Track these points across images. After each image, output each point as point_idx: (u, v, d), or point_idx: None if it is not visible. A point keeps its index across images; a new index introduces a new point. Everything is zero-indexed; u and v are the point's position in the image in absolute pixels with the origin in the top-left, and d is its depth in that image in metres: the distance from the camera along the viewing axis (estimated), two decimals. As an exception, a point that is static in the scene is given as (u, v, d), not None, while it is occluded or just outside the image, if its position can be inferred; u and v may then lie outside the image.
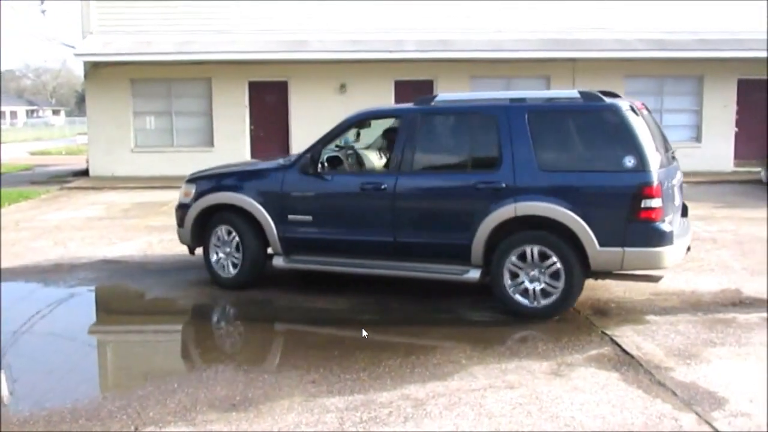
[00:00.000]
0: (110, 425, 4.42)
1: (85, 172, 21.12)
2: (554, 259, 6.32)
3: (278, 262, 7.35)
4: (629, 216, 6.15)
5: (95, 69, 20.14)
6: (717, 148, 20.35)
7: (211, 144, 20.59)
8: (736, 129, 20.65)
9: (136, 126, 20.73)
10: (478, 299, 7.15)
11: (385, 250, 6.95)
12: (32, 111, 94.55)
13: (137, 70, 20.11)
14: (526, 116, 6.52)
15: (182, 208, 7.89)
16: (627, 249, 6.18)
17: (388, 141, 7.88)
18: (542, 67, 20.08)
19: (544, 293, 6.42)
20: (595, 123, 6.45)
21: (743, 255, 8.90)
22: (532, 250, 6.39)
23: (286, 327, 6.65)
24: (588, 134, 6.49)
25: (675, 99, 20.54)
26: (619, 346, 5.75)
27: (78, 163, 25.19)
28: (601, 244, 6.20)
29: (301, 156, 7.35)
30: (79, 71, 24.35)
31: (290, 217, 7.22)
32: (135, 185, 18.18)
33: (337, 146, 7.89)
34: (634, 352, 5.60)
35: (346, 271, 7.18)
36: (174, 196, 16.00)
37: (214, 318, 7.01)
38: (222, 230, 7.55)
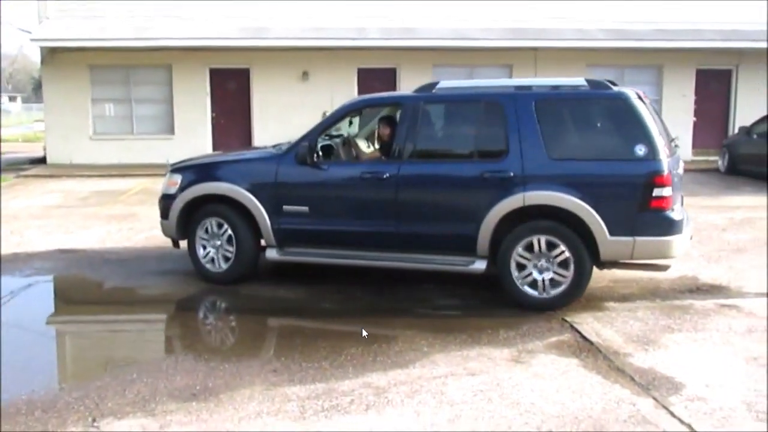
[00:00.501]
0: (67, 416, 4.35)
1: (42, 160, 20.72)
2: (563, 249, 6.23)
3: (271, 254, 7.10)
4: (640, 205, 6.11)
5: (52, 55, 19.74)
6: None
7: (172, 132, 20.33)
8: (695, 118, 20.97)
9: (95, 113, 20.38)
10: (441, 287, 7.18)
11: (386, 241, 6.76)
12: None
13: (96, 56, 19.75)
14: (534, 104, 6.42)
15: (167, 199, 7.54)
16: (638, 238, 6.13)
17: (386, 129, 7.60)
18: (505, 56, 20.16)
19: (553, 283, 6.32)
20: (604, 111, 6.41)
21: (700, 242, 9.05)
22: (541, 240, 6.28)
23: (248, 316, 6.58)
24: (597, 123, 6.45)
25: (635, 89, 20.75)
26: (579, 332, 5.81)
27: (35, 151, 24.69)
28: (612, 234, 6.14)
29: (296, 144, 7.05)
30: (36, 57, 23.85)
31: (285, 208, 6.97)
32: (93, 173, 17.88)
33: (326, 135, 7.66)
34: (593, 338, 5.66)
35: (344, 263, 6.99)
36: (133, 184, 15.87)
37: (174, 307, 6.92)
38: (212, 222, 7.24)
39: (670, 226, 6.18)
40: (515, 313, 6.33)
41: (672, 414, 4.33)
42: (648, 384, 4.77)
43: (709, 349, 5.46)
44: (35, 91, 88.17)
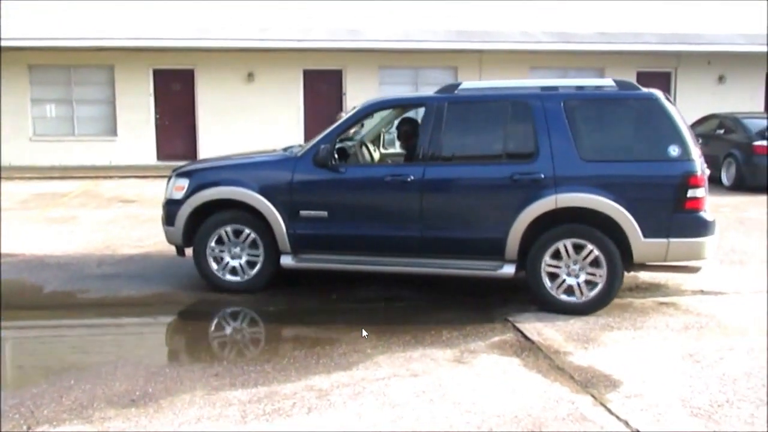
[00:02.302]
0: (2, 425, 4.24)
1: (-21, 162, 20.16)
2: (593, 249, 6.18)
3: (286, 261, 6.81)
4: (674, 206, 6.09)
5: (-11, 54, 19.23)
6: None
7: (114, 133, 19.99)
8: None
9: (35, 114, 19.91)
10: (386, 288, 7.20)
11: (410, 246, 6.59)
12: None
13: (35, 56, 19.30)
14: (563, 104, 6.36)
15: (172, 205, 7.12)
16: (672, 240, 6.11)
17: (408, 131, 7.47)
18: (450, 58, 20.32)
19: (585, 286, 6.27)
20: (635, 112, 6.37)
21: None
22: (572, 243, 6.23)
23: (189, 320, 6.51)
24: (628, 123, 6.40)
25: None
26: (521, 332, 5.88)
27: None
28: (646, 236, 6.10)
29: (313, 146, 6.78)
30: (-28, 56, 23.18)
31: (302, 212, 6.72)
32: (33, 175, 17.46)
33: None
34: (535, 337, 5.74)
35: (364, 269, 6.80)
36: (74, 187, 15.55)
37: (114, 312, 6.79)
38: (228, 230, 6.92)
39: (704, 227, 6.18)
40: (459, 314, 6.38)
41: (609, 411, 4.41)
42: (586, 382, 4.86)
43: (647, 346, 5.58)
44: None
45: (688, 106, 20.93)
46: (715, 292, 7.06)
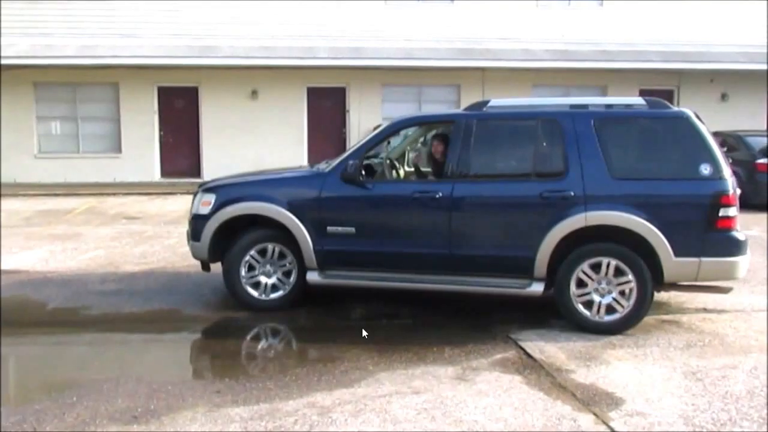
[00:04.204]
0: (2, 443, 4.25)
1: (-16, 179, 20.24)
2: (630, 278, 6.16)
3: (312, 277, 6.79)
4: (707, 225, 6.06)
5: (-5, 71, 19.35)
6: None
7: (119, 150, 20.07)
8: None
9: (40, 131, 20.02)
10: (389, 305, 7.20)
11: (438, 263, 6.55)
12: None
13: (40, 74, 19.42)
14: (593, 122, 6.36)
15: (199, 220, 7.10)
16: (703, 259, 6.08)
17: (438, 148, 7.39)
18: (453, 76, 20.41)
19: (615, 305, 6.23)
20: (665, 130, 6.34)
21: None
22: (602, 262, 6.21)
23: (191, 336, 6.51)
24: (659, 141, 6.37)
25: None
26: (523, 349, 5.88)
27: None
28: (677, 255, 6.07)
29: (341, 162, 6.79)
30: (-22, 74, 23.36)
31: (330, 229, 6.70)
32: (38, 192, 17.52)
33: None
34: (537, 355, 5.74)
35: (391, 286, 6.78)
36: (78, 204, 15.59)
37: (117, 329, 6.79)
38: (275, 247, 6.92)
39: (736, 247, 6.15)
40: (461, 332, 6.38)
41: (612, 429, 4.41)
42: (589, 400, 4.85)
43: (650, 364, 5.57)
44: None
45: (690, 123, 21.02)
46: (717, 310, 7.06)
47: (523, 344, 6.01)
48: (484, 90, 20.16)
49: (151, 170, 19.94)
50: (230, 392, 4.99)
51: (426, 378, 5.26)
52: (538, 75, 20.45)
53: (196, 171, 19.84)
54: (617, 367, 5.50)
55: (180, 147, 20.24)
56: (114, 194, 17.35)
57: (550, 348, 5.92)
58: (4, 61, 18.74)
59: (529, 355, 5.75)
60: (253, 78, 20.05)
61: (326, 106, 20.41)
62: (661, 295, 7.47)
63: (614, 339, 6.15)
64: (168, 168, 20.06)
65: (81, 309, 7.27)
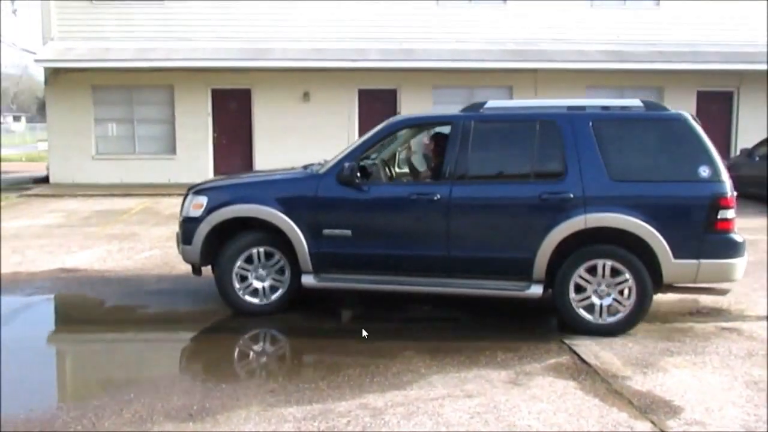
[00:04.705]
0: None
1: (45, 180, 20.78)
2: (628, 278, 6.17)
3: (308, 280, 6.70)
4: (706, 227, 6.08)
5: (56, 75, 19.87)
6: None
7: (173, 152, 20.41)
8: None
9: (97, 133, 20.48)
10: (440, 308, 7.18)
11: (435, 265, 6.51)
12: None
13: (98, 77, 19.87)
14: (591, 124, 6.35)
15: (190, 223, 6.98)
16: (702, 261, 6.10)
17: (434, 149, 7.40)
18: (505, 78, 20.27)
19: (612, 309, 6.25)
20: (663, 132, 6.33)
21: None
22: (601, 264, 6.21)
23: (245, 336, 6.55)
24: (657, 144, 6.35)
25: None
26: (578, 355, 5.80)
27: (38, 170, 24.78)
28: (676, 256, 6.08)
29: (337, 164, 6.72)
30: (40, 77, 24.03)
31: (326, 231, 6.62)
32: (95, 193, 17.93)
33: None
34: (592, 361, 5.65)
35: (388, 289, 6.74)
36: (134, 204, 15.90)
37: (172, 327, 6.90)
38: (259, 250, 6.81)
39: (734, 249, 6.16)
40: (514, 335, 6.32)
41: (670, 437, 4.32)
42: (646, 407, 4.76)
43: (709, 372, 5.44)
44: (39, 111, 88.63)
45: (750, 126, 20.56)
46: (779, 317, 6.87)
47: (577, 349, 5.92)
48: (537, 91, 20.00)
49: (205, 171, 20.22)
50: (283, 392, 5.02)
51: (478, 381, 5.22)
52: (592, 76, 20.18)
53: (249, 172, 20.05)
54: (675, 374, 5.38)
55: (233, 148, 20.50)
56: (169, 195, 17.64)
57: (605, 354, 5.82)
58: (64, 65, 19.28)
59: (583, 361, 5.66)
60: (305, 80, 20.20)
61: (377, 108, 20.43)
62: (720, 302, 7.32)
63: (672, 346, 6.03)
64: (221, 169, 20.31)
65: (137, 307, 7.40)
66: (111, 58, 19.15)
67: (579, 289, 6.28)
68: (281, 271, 6.90)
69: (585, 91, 20.05)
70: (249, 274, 6.88)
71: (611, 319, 6.27)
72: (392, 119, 7.23)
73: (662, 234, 6.08)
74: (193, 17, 19.91)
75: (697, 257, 6.10)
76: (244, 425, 4.49)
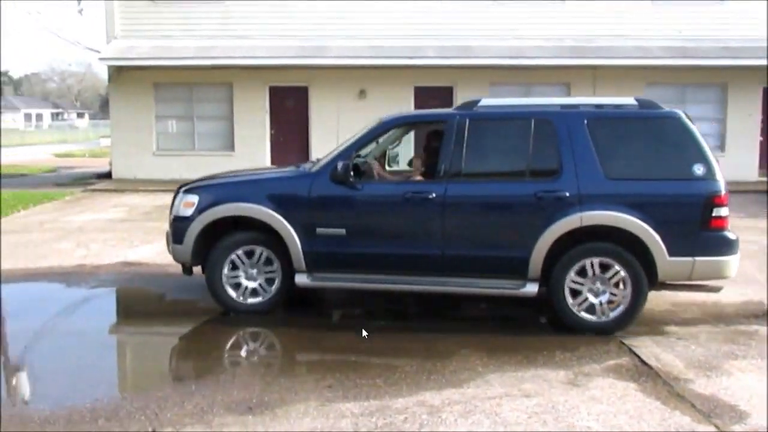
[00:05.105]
0: (129, 426, 4.45)
1: (107, 175, 21.30)
2: (618, 269, 6.18)
3: (301, 280, 6.69)
4: (700, 225, 6.09)
5: (119, 73, 20.33)
6: (741, 158, 20.09)
7: (232, 148, 20.69)
8: (761, 138, 20.45)
9: (158, 129, 20.89)
10: (496, 307, 7.13)
11: (431, 264, 6.49)
12: (57, 114, 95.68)
13: (160, 75, 20.27)
14: (586, 122, 6.34)
15: (181, 222, 6.91)
16: (697, 258, 6.11)
17: (427, 148, 7.37)
18: (562, 75, 20.01)
19: (609, 306, 6.25)
20: (658, 130, 6.33)
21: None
22: (596, 262, 6.22)
23: (302, 332, 6.61)
24: (651, 142, 6.33)
25: (697, 107, 20.24)
26: (638, 356, 5.71)
27: (101, 166, 25.40)
28: (671, 254, 6.09)
29: (330, 162, 6.70)
30: (103, 75, 24.59)
31: (319, 230, 6.59)
32: (156, 188, 18.29)
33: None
34: (652, 362, 5.55)
35: (382, 288, 6.75)
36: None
37: (234, 321, 7.00)
38: (247, 250, 6.79)
39: (729, 246, 6.17)
40: (572, 335, 6.24)
41: (734, 442, 4.22)
42: (710, 411, 4.66)
43: (775, 376, 5.30)
44: (102, 108, 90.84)
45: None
46: None
47: (637, 351, 5.82)
48: (596, 89, 19.68)
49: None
50: (341, 387, 5.06)
51: (536, 381, 5.18)
52: (653, 73, 19.79)
53: (305, 169, 20.22)
54: (740, 378, 5.26)
55: (290, 145, 20.69)
56: (227, 191, 17.85)
57: (666, 356, 5.72)
58: (127, 63, 19.73)
59: (644, 363, 5.56)
60: (361, 77, 20.27)
61: (433, 106, 20.29)
62: (786, 304, 7.12)
63: (737, 349, 5.89)
64: (278, 165, 20.50)
65: (198, 300, 7.53)
66: (172, 56, 19.51)
67: (575, 287, 6.29)
68: (273, 271, 6.85)
69: (644, 89, 19.64)
70: (240, 273, 6.85)
71: (605, 318, 6.26)
72: (386, 117, 7.20)
73: (657, 232, 6.09)
74: (252, 15, 20.15)
75: (692, 255, 6.11)
76: (302, 419, 4.54)
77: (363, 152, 7.32)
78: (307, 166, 7.12)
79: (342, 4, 20.07)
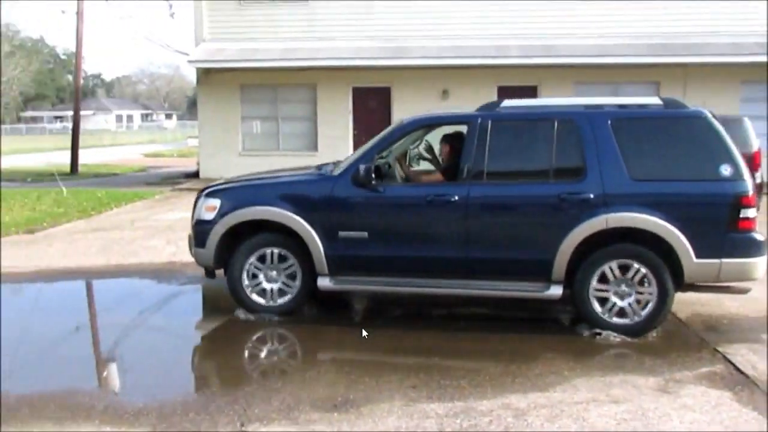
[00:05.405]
0: (218, 419, 4.56)
1: (195, 174, 21.89)
2: (647, 272, 6.09)
3: (324, 283, 6.68)
4: (727, 226, 5.98)
5: (207, 75, 20.86)
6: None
7: (315, 148, 20.96)
8: None
9: (244, 130, 21.34)
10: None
11: (454, 267, 6.47)
12: (146, 115, 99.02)
13: (246, 76, 20.71)
14: (610, 123, 6.25)
15: (203, 225, 6.94)
16: (724, 260, 6.00)
17: (448, 150, 7.26)
18: (651, 73, 19.49)
19: (635, 307, 6.16)
20: (684, 130, 6.21)
21: None
22: (622, 264, 6.14)
23: (384, 332, 6.62)
24: (678, 142, 6.20)
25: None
26: (733, 364, 5.51)
27: (189, 165, 26.14)
28: (698, 256, 5.99)
29: (352, 165, 6.67)
30: (191, 77, 25.28)
31: (341, 233, 6.58)
32: (241, 188, 18.65)
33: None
34: (749, 371, 5.35)
35: (404, 291, 6.77)
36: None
37: (316, 319, 7.07)
38: (268, 252, 6.81)
39: (757, 248, 6.04)
40: (662, 341, 6.09)
41: (838, 457, 4.03)
42: (810, 423, 4.46)
43: None
44: (189, 109, 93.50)
45: None
46: None
47: (732, 358, 5.62)
48: (686, 87, 19.08)
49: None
50: (425, 388, 5.05)
51: (625, 387, 5.06)
52: (748, 70, 19.00)
53: (387, 169, 20.32)
54: (843, 389, 5.01)
55: (372, 146, 20.79)
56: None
57: (763, 364, 5.50)
58: (215, 65, 20.22)
59: (739, 371, 5.36)
60: (444, 77, 20.23)
61: (518, 106, 20.18)
62: None
63: (839, 359, 5.61)
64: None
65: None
66: (258, 58, 19.92)
67: (600, 290, 6.21)
68: (293, 275, 6.85)
69: (740, 87, 18.97)
70: (260, 275, 6.86)
71: (631, 320, 6.18)
72: (407, 119, 7.13)
73: (684, 233, 5.99)
74: (335, 17, 20.36)
75: (719, 256, 6.00)
76: (387, 418, 4.56)
77: (387, 153, 7.27)
78: (329, 169, 7.11)
79: (425, 4, 20.09)
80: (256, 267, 6.85)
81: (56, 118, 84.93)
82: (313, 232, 6.63)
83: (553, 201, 6.23)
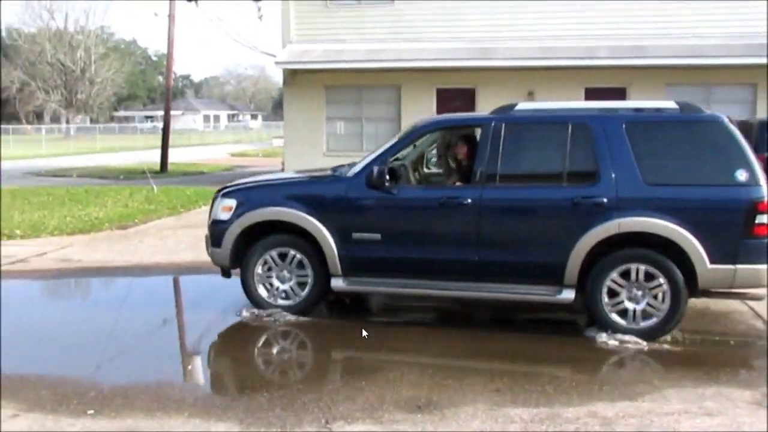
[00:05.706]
0: (303, 416, 4.62)
1: (280, 174, 22.24)
2: (662, 282, 6.02)
3: (337, 284, 6.75)
4: (743, 232, 5.88)
5: (293, 76, 21.18)
6: None
7: (398, 150, 20.99)
8: None
9: (328, 130, 21.57)
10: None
11: (466, 269, 6.47)
12: (233, 115, 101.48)
13: (331, 77, 20.93)
14: (624, 127, 6.18)
15: (219, 225, 7.04)
16: (739, 266, 5.90)
17: (461, 152, 7.22)
18: (748, 74, 18.75)
19: (645, 314, 6.10)
20: (699, 135, 6.14)
21: None
22: (635, 269, 6.08)
23: (469, 334, 6.59)
24: (692, 146, 6.14)
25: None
26: (834, 379, 5.26)
27: (274, 165, 26.61)
28: (712, 262, 5.90)
29: (366, 167, 6.70)
30: (276, 78, 25.74)
31: (355, 235, 6.64)
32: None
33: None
34: None
35: (417, 293, 6.78)
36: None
37: (394, 318, 7.06)
38: (277, 252, 6.90)
39: None
40: (757, 353, 5.86)
41: None
42: None
43: None
44: (274, 110, 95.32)
45: None
46: None
47: (834, 373, 5.36)
48: (787, 89, 18.29)
49: (427, 169, 20.65)
50: (509, 392, 5.01)
51: (719, 399, 4.89)
52: None
53: (470, 171, 20.21)
54: None
55: (455, 147, 20.73)
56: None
57: None
58: (301, 67, 20.53)
59: (842, 387, 5.11)
60: (529, 79, 19.96)
61: (604, 107, 19.78)
62: None
63: None
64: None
65: (365, 298, 7.70)
66: (344, 60, 20.10)
67: (612, 294, 6.16)
68: (306, 275, 6.88)
69: None
70: (273, 276, 6.93)
71: (644, 324, 6.10)
72: (421, 121, 7.11)
73: (698, 239, 5.92)
74: (421, 17, 20.36)
75: (734, 262, 5.92)
76: (471, 421, 4.54)
77: (402, 155, 7.30)
78: (343, 170, 7.11)
79: (510, 4, 19.86)
80: (269, 267, 6.94)
81: (147, 117, 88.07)
82: (327, 233, 6.71)
83: (566, 205, 6.23)
